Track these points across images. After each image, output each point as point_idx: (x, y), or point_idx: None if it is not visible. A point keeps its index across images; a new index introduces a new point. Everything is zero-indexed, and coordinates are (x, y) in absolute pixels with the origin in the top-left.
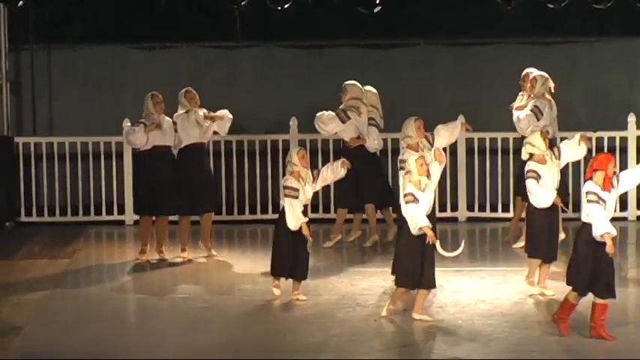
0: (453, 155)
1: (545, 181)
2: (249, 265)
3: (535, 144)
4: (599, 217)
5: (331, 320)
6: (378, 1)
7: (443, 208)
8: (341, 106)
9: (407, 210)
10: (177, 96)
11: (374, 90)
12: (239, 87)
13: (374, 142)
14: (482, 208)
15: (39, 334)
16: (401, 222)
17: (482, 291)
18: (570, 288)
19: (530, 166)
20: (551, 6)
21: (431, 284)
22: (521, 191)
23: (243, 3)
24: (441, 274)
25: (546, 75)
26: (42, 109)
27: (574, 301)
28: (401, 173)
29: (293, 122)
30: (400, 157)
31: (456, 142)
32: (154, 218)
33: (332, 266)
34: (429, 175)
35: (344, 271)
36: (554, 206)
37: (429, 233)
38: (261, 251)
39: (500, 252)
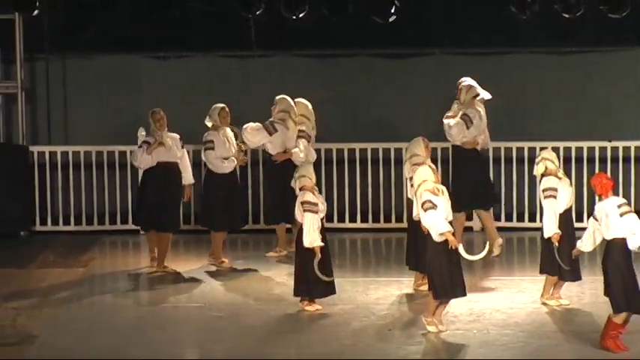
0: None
1: (562, 197)
2: (265, 274)
3: (550, 158)
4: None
5: (346, 330)
6: (393, 11)
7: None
8: (270, 119)
9: (427, 217)
10: (191, 104)
11: (305, 101)
12: (254, 96)
13: (299, 155)
14: (497, 218)
15: (54, 343)
16: (425, 234)
17: (497, 300)
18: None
19: (548, 183)
20: (566, 15)
21: (461, 292)
22: None
23: (258, 12)
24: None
25: (472, 83)
26: (57, 118)
27: (620, 321)
28: (411, 191)
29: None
30: (408, 176)
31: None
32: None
33: (346, 276)
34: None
35: (359, 281)
36: (569, 220)
37: (450, 238)
38: (272, 261)
39: (515, 261)
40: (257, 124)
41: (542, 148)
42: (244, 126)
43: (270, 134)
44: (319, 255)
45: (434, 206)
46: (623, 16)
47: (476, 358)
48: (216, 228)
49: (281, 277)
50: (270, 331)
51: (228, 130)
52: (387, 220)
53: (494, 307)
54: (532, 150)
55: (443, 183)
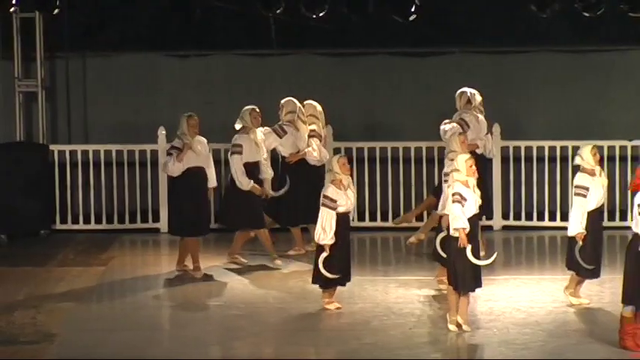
0: (488, 163)
1: (593, 195)
2: (284, 272)
3: (584, 157)
4: None
5: (365, 329)
6: (413, 10)
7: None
8: (279, 122)
9: (451, 208)
10: (207, 103)
11: (314, 102)
12: (273, 95)
13: (313, 154)
14: (517, 217)
15: (74, 341)
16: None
17: (517, 299)
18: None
19: (579, 180)
20: (586, 14)
21: (478, 285)
22: None
23: (278, 11)
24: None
25: (466, 90)
26: (77, 116)
27: (629, 315)
28: (444, 187)
29: (327, 130)
30: (445, 171)
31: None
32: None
33: (367, 274)
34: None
35: (379, 280)
36: (597, 220)
37: (462, 236)
38: (291, 259)
39: (535, 260)
40: (266, 127)
41: (562, 147)
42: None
43: (280, 137)
44: (327, 252)
45: (462, 200)
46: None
47: (496, 356)
48: (250, 227)
49: (300, 276)
50: (290, 330)
51: (259, 132)
52: None
53: (514, 306)
54: (552, 149)
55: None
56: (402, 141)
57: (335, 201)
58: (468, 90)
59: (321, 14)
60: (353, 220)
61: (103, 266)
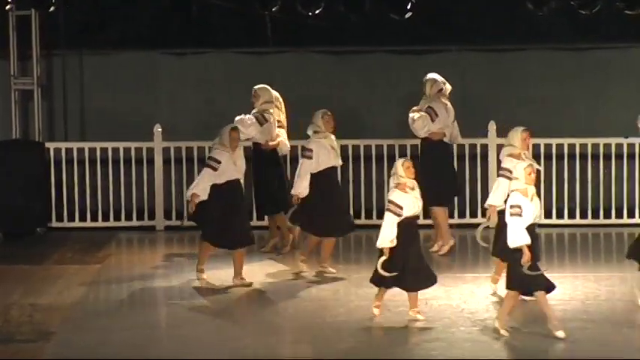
0: (483, 160)
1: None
2: (279, 270)
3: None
4: None
5: (361, 326)
6: (409, 7)
7: (473, 214)
8: (254, 111)
9: (510, 221)
10: (209, 101)
11: (275, 92)
12: None
13: (286, 145)
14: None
15: (71, 340)
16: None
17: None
18: None
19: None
20: (583, 12)
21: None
22: None
23: (274, 9)
24: (471, 280)
25: (437, 78)
26: (73, 114)
27: None
28: (500, 180)
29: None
30: (503, 165)
31: (486, 147)
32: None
33: (363, 272)
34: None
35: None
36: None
37: (526, 253)
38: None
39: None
40: (249, 116)
41: (558, 145)
42: (237, 118)
43: (261, 125)
44: (386, 255)
45: (521, 212)
46: (639, 13)
47: (493, 354)
48: (324, 233)
49: (297, 275)
50: (286, 328)
51: (333, 137)
52: None
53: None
54: (548, 146)
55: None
56: (399, 139)
57: (401, 207)
58: (439, 78)
59: (317, 12)
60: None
61: (100, 264)
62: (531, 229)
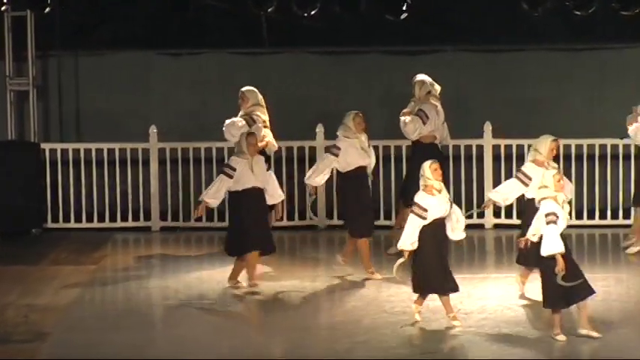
0: (479, 161)
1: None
2: (277, 272)
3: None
4: None
5: (358, 327)
6: (404, 8)
7: (468, 216)
8: (242, 113)
9: (546, 230)
10: (205, 102)
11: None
12: (266, 93)
13: (274, 145)
14: (508, 215)
15: (66, 340)
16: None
17: (508, 298)
18: None
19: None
20: (578, 13)
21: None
22: None
23: (270, 9)
24: (467, 282)
25: (426, 79)
26: (69, 115)
27: None
28: (512, 181)
29: (320, 129)
30: (522, 169)
31: (481, 148)
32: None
33: (359, 273)
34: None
35: (371, 279)
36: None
37: (560, 262)
38: (284, 257)
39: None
40: (238, 119)
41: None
42: (228, 122)
43: (251, 127)
44: (405, 258)
45: (556, 220)
46: (635, 13)
47: (487, 354)
48: (358, 234)
49: (293, 274)
50: (282, 328)
51: (364, 138)
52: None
53: (505, 304)
54: None
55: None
56: (395, 139)
57: (425, 210)
58: (428, 79)
59: (312, 13)
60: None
61: (96, 265)
62: (562, 237)
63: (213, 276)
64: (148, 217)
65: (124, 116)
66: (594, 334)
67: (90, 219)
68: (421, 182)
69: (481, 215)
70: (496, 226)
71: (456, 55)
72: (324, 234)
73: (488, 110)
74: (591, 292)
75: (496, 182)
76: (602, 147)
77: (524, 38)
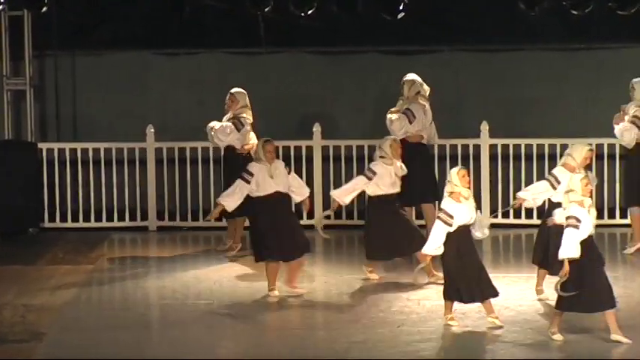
0: (476, 161)
1: None
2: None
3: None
4: None
5: (354, 326)
6: (401, 8)
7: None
8: (229, 116)
9: (566, 233)
10: (202, 102)
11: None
12: (262, 93)
13: None
14: (505, 215)
15: (63, 340)
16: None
17: (506, 297)
18: None
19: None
20: (575, 12)
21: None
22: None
23: (267, 9)
24: None
25: (416, 79)
26: (66, 114)
27: None
28: (542, 182)
29: (316, 128)
30: (553, 172)
31: (478, 147)
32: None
33: (355, 273)
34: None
35: (368, 279)
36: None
37: (566, 266)
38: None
39: (524, 259)
40: (227, 123)
41: (550, 145)
42: (211, 124)
43: (239, 130)
44: (426, 262)
45: (577, 224)
46: (632, 13)
47: (485, 354)
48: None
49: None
50: (279, 328)
51: (399, 164)
52: None
53: (503, 303)
54: (541, 146)
55: None
56: None
57: (451, 216)
58: (418, 79)
59: (309, 12)
60: (342, 219)
61: (92, 264)
62: (589, 240)
63: (210, 275)
64: (144, 217)
65: (121, 116)
66: (624, 339)
67: (87, 218)
68: (447, 188)
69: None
70: (493, 225)
71: (452, 55)
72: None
73: (485, 110)
74: (592, 309)
75: (493, 182)
76: (599, 146)
77: (520, 38)
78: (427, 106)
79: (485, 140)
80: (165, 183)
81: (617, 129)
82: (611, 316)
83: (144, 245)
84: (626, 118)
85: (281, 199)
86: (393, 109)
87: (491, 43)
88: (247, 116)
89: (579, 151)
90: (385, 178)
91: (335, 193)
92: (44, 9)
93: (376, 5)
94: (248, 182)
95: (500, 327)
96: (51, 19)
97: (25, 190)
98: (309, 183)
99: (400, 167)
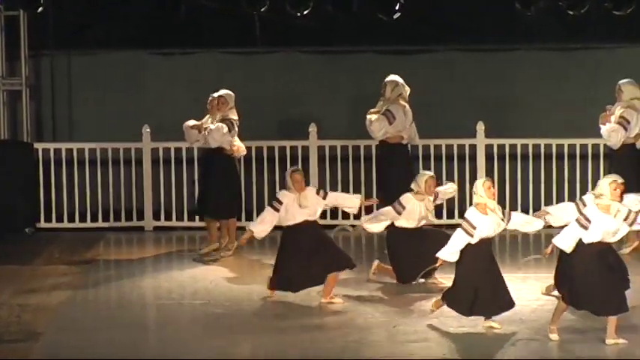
0: (472, 161)
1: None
2: (269, 271)
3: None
4: None
5: (350, 326)
6: (397, 7)
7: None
8: (219, 117)
9: (570, 225)
10: (198, 101)
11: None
12: (259, 92)
13: (243, 148)
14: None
15: (59, 340)
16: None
17: None
18: None
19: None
20: (571, 12)
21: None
22: None
23: (263, 9)
24: None
25: (398, 81)
26: (62, 114)
27: None
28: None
29: (312, 128)
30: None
31: (474, 147)
32: None
33: (350, 273)
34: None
35: (362, 278)
36: None
37: (551, 249)
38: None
39: (519, 258)
40: (220, 124)
41: (547, 145)
42: (212, 127)
43: (230, 132)
44: (438, 264)
45: (587, 226)
46: (627, 13)
47: (480, 354)
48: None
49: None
50: (274, 328)
51: (431, 198)
52: None
53: None
54: (537, 146)
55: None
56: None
57: (474, 227)
58: (400, 81)
59: (305, 12)
60: (338, 218)
61: (88, 264)
62: (601, 246)
63: (207, 275)
64: (140, 217)
65: (116, 116)
66: (620, 341)
67: (83, 219)
68: (474, 199)
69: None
70: None
71: (449, 55)
72: None
73: (482, 110)
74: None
75: None
76: (595, 146)
77: (517, 38)
78: (407, 106)
79: (481, 140)
80: (161, 183)
81: (605, 130)
82: (614, 321)
83: (140, 245)
84: (612, 118)
85: (310, 226)
86: (372, 110)
87: (487, 43)
88: (235, 117)
89: (606, 186)
90: (414, 213)
91: (366, 225)
92: (40, 9)
93: (372, 5)
94: (277, 210)
95: (498, 328)
96: (47, 19)
97: (21, 190)
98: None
99: (431, 201)
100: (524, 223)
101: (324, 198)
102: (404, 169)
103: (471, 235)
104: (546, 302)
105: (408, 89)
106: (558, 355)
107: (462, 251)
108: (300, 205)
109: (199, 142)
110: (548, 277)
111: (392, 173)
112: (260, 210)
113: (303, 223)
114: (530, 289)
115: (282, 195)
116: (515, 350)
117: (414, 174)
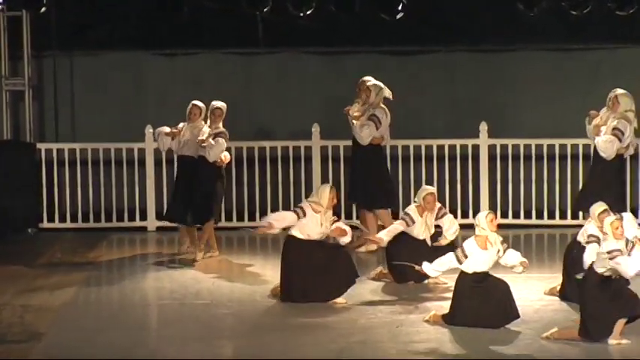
0: (475, 161)
1: None
2: (271, 271)
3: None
4: None
5: (353, 327)
6: (400, 8)
7: (465, 215)
8: (217, 130)
9: (587, 248)
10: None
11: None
12: (261, 93)
13: (227, 158)
14: (504, 215)
15: (61, 340)
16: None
17: None
18: None
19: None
20: (573, 12)
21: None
22: None
23: (265, 9)
24: None
25: (381, 84)
26: (64, 115)
27: None
28: (588, 247)
29: (315, 129)
30: (588, 233)
31: (477, 148)
32: None
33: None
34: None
35: (365, 278)
36: None
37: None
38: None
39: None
40: (220, 139)
41: (549, 145)
42: (212, 142)
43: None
44: (420, 270)
45: (598, 242)
46: (630, 14)
47: (483, 354)
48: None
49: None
50: (277, 328)
51: (432, 214)
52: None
53: None
54: (539, 147)
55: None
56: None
57: (466, 256)
58: (380, 84)
59: (308, 12)
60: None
61: (91, 265)
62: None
63: (208, 276)
64: (143, 217)
65: (119, 116)
66: (623, 341)
67: (85, 219)
68: (476, 231)
69: (476, 214)
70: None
71: (451, 55)
72: None
73: (484, 110)
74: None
75: (492, 182)
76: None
77: (519, 38)
78: (386, 108)
79: (484, 140)
80: (164, 183)
81: (600, 141)
82: (621, 322)
83: (142, 245)
84: (604, 129)
85: (318, 244)
86: (356, 114)
87: (489, 44)
88: (224, 129)
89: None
90: (419, 226)
91: (380, 238)
92: (43, 9)
93: (374, 5)
94: (299, 217)
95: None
96: (50, 20)
97: (24, 191)
98: (308, 184)
99: (432, 218)
100: (514, 265)
101: (331, 224)
102: (383, 171)
103: (460, 263)
104: (549, 303)
105: (388, 91)
106: (560, 356)
107: (458, 279)
108: (321, 225)
109: (173, 148)
110: (550, 278)
111: (374, 175)
112: (260, 211)
113: (315, 241)
114: (533, 290)
115: (308, 207)
116: (517, 351)
117: (388, 178)
